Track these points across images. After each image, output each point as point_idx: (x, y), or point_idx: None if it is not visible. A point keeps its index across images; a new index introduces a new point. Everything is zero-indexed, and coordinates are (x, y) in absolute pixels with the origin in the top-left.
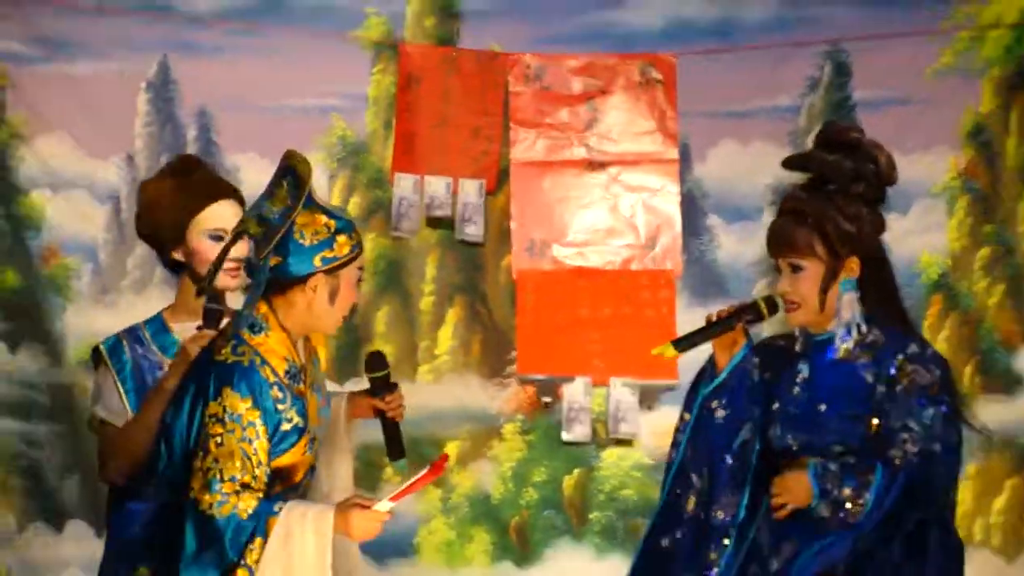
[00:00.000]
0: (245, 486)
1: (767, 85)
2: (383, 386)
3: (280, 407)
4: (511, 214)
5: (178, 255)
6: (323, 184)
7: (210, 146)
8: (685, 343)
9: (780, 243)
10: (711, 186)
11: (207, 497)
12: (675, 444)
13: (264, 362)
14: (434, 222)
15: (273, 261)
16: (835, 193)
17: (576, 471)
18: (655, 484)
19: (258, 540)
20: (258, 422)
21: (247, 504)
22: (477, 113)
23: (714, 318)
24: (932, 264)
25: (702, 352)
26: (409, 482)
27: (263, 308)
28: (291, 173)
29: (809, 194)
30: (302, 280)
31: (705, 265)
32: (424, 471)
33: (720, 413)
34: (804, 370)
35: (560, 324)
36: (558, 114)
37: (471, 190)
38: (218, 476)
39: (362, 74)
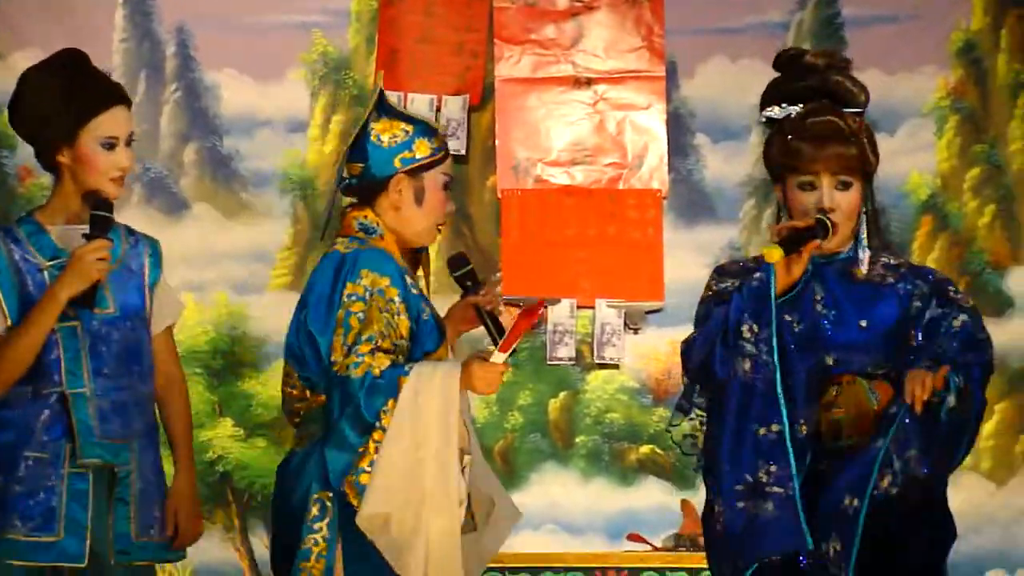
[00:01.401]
0: (382, 349)
1: (756, 1)
2: (475, 281)
3: (415, 291)
4: (496, 132)
5: (64, 158)
6: (305, 101)
7: (189, 62)
8: (788, 246)
9: (832, 160)
10: (698, 104)
11: (344, 360)
12: (750, 357)
13: (391, 255)
14: None
15: (356, 169)
16: (857, 115)
17: (561, 394)
18: (640, 408)
19: (391, 402)
20: (397, 299)
21: (380, 363)
22: (461, 29)
23: (789, 227)
24: (921, 184)
25: (687, 273)
26: (508, 332)
27: (371, 215)
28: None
29: (839, 115)
30: (385, 183)
31: (692, 184)
32: (518, 318)
33: (797, 328)
34: (818, 290)
35: (545, 244)
36: (544, 30)
37: (455, 106)
38: (357, 339)
39: None
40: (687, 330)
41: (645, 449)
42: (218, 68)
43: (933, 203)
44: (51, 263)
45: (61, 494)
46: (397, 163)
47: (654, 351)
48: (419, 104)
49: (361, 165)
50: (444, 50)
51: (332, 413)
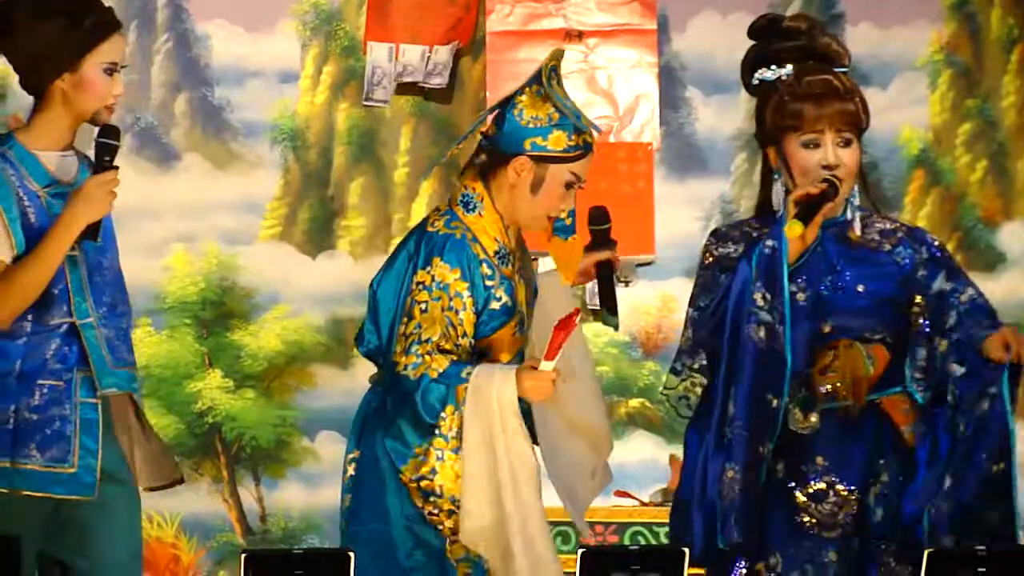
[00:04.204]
0: (442, 350)
1: None
2: (608, 239)
3: (489, 283)
4: (487, 84)
5: (64, 83)
6: (296, 52)
7: (180, 13)
8: (807, 219)
9: (835, 116)
10: (690, 58)
11: (404, 360)
12: (765, 324)
13: (475, 239)
14: (404, 88)
15: (491, 131)
16: (845, 74)
17: None
18: (630, 361)
19: (449, 408)
20: (465, 293)
21: (439, 364)
22: None
23: (803, 195)
24: (913, 139)
25: (678, 226)
26: (549, 342)
27: (479, 187)
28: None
29: (832, 74)
30: (509, 159)
31: (683, 138)
32: (556, 328)
33: (801, 296)
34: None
35: None
36: None
37: (443, 52)
38: (417, 339)
39: None
40: (678, 283)
41: (635, 403)
42: (209, 18)
43: (925, 157)
44: (46, 189)
45: (74, 424)
46: (527, 145)
47: (644, 304)
48: (410, 56)
49: (494, 128)
50: (436, 2)
51: (387, 404)
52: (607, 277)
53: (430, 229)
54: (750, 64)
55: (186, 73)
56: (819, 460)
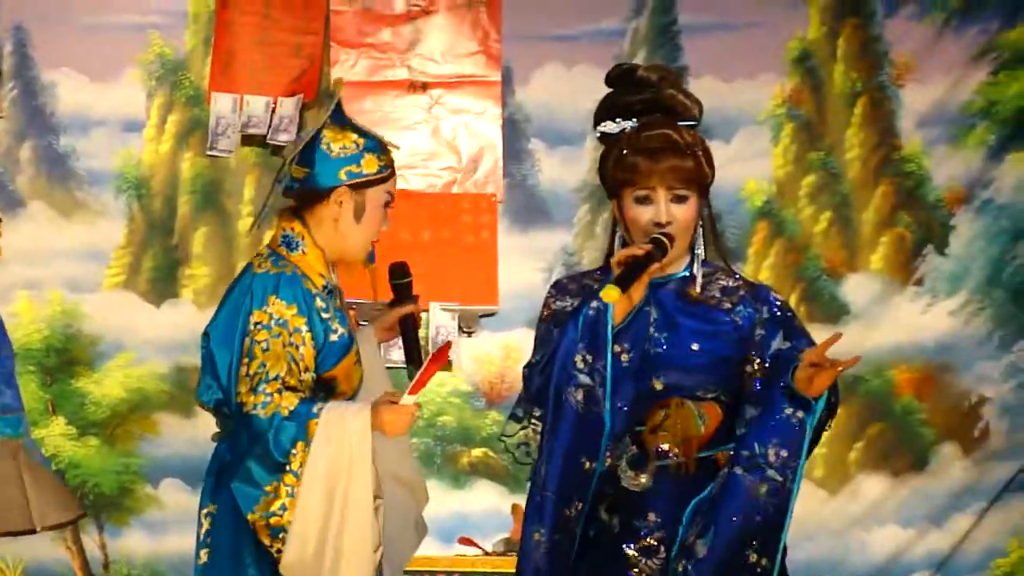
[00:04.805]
0: (289, 387)
1: (592, 8)
2: (410, 293)
3: (325, 315)
4: None
5: None
6: (141, 101)
7: (26, 61)
8: (625, 283)
9: (667, 173)
10: (533, 110)
11: (252, 399)
12: (584, 388)
13: (304, 275)
14: (248, 139)
15: (300, 174)
16: (693, 128)
17: None
18: (473, 411)
19: (300, 444)
20: (304, 328)
21: (289, 403)
22: (298, 32)
23: (627, 256)
24: (757, 191)
25: (522, 277)
26: (419, 374)
27: (298, 227)
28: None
29: (673, 128)
30: (327, 193)
31: (527, 190)
32: (429, 361)
33: (625, 357)
34: (653, 311)
35: (380, 247)
36: (380, 34)
37: (288, 105)
38: (264, 378)
39: None
40: (521, 334)
41: (478, 452)
42: (55, 67)
43: (769, 209)
44: None
45: None
46: (343, 175)
47: (487, 355)
48: (255, 106)
49: (306, 171)
50: (281, 52)
51: (239, 447)
52: (411, 331)
53: (259, 271)
54: (599, 115)
55: (32, 121)
56: (651, 516)
